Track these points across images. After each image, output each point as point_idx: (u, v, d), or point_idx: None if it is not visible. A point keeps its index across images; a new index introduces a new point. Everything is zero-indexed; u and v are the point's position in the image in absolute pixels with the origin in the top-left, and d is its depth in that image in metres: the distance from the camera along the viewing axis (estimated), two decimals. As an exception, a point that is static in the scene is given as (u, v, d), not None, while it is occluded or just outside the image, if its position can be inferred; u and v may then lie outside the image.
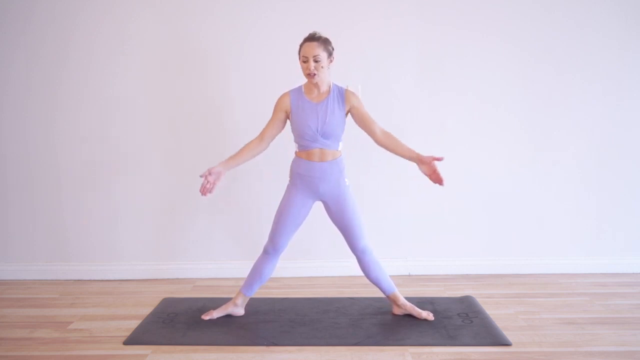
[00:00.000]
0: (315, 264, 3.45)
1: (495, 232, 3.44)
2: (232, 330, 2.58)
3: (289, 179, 2.72)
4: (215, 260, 3.44)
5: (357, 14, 3.29)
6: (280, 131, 2.70)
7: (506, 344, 2.38)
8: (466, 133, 3.37)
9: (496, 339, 2.43)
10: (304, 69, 2.57)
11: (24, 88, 3.34)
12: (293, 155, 2.70)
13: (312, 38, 2.56)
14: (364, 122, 2.65)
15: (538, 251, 3.45)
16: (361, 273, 3.45)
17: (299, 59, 2.59)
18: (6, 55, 3.31)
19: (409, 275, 3.42)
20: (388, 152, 2.65)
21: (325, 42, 2.58)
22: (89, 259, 3.45)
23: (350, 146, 2.92)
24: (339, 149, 2.66)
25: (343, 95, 2.64)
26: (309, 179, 2.62)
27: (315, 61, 2.53)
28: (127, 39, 3.31)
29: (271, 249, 2.69)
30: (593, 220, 3.43)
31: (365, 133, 2.67)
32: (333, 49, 2.62)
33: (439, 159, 2.52)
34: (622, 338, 2.43)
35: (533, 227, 3.44)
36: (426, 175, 2.57)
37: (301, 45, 2.58)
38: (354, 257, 2.72)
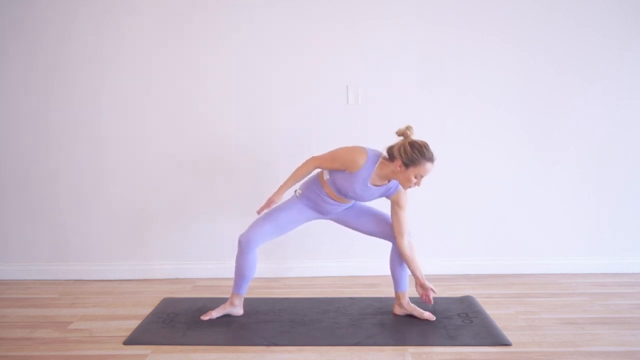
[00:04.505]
0: (316, 264, 3.45)
1: (495, 232, 3.44)
2: (232, 330, 2.58)
3: (299, 190, 2.71)
4: (215, 260, 3.44)
5: (357, 14, 3.29)
6: None
7: (506, 344, 2.38)
8: (466, 133, 3.37)
9: (496, 339, 2.43)
10: (409, 181, 2.46)
11: (22, 87, 3.34)
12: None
13: (434, 160, 2.47)
14: (398, 219, 2.63)
15: (538, 251, 3.45)
16: (361, 273, 3.47)
17: (409, 165, 2.43)
18: (5, 55, 3.31)
19: (409, 275, 3.41)
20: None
21: None
22: (89, 259, 3.45)
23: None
24: None
25: (397, 189, 2.61)
26: (320, 204, 2.67)
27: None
28: (127, 39, 3.31)
29: (244, 241, 2.62)
30: (593, 220, 3.44)
31: (393, 228, 2.66)
32: None
33: (434, 291, 2.69)
34: (622, 338, 2.43)
35: (533, 227, 3.44)
36: (419, 294, 2.72)
37: (420, 162, 2.43)
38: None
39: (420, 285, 2.69)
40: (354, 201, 2.73)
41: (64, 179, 3.40)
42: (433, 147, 3.36)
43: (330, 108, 3.34)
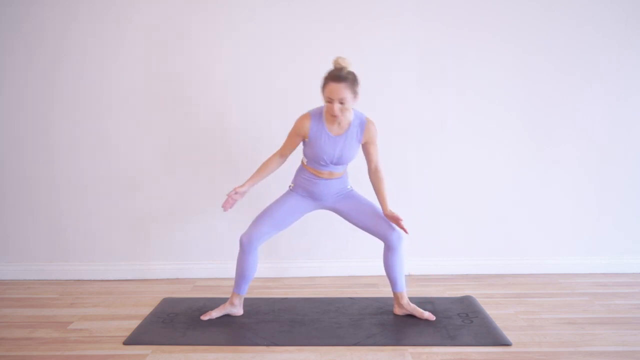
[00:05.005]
0: (316, 264, 3.45)
1: (495, 232, 3.44)
2: (232, 330, 2.58)
3: (291, 184, 2.75)
4: (215, 260, 3.44)
5: (357, 14, 3.29)
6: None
7: (506, 344, 2.38)
8: (466, 132, 3.37)
9: (496, 339, 2.43)
10: (327, 109, 2.45)
11: (21, 88, 3.33)
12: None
13: (338, 78, 2.39)
14: (368, 153, 2.66)
15: (538, 251, 3.45)
16: (361, 273, 3.47)
17: (322, 92, 2.46)
18: (4, 55, 3.31)
19: (409, 275, 3.42)
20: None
21: (352, 82, 2.41)
22: (89, 259, 3.45)
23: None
24: (346, 168, 2.71)
25: (364, 127, 2.59)
26: (311, 189, 2.67)
27: (341, 103, 2.42)
28: (126, 38, 3.30)
29: (245, 241, 2.63)
30: (593, 220, 3.43)
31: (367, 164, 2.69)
32: (359, 83, 2.46)
33: (400, 218, 2.57)
34: (622, 338, 2.43)
35: (533, 227, 3.44)
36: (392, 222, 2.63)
37: (325, 83, 2.42)
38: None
39: (386, 215, 2.62)
40: (344, 171, 2.69)
41: (64, 179, 3.39)
42: (434, 147, 3.39)
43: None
